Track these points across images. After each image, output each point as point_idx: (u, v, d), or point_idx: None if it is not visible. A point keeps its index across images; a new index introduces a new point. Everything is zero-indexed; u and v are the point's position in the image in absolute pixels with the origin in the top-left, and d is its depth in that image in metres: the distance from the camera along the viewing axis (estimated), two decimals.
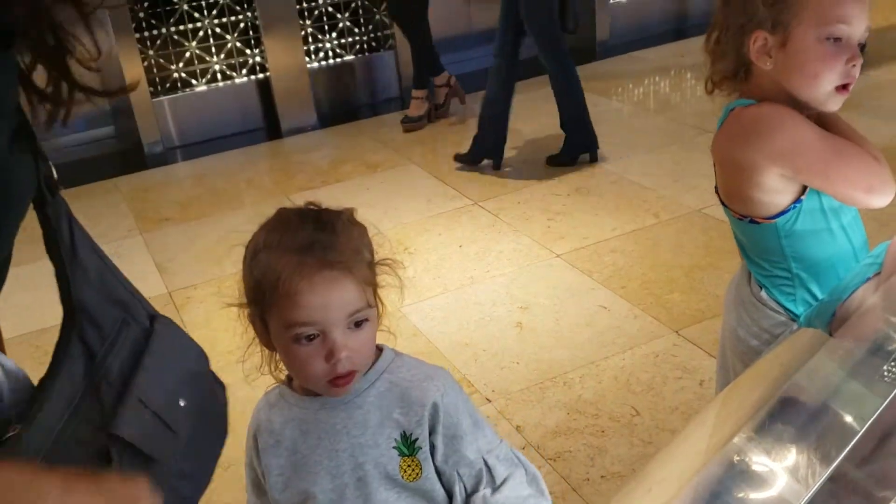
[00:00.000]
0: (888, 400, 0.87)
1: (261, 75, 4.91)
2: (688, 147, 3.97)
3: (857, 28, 1.27)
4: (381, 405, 1.09)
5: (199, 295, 3.12)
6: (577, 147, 3.88)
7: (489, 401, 2.37)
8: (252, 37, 4.84)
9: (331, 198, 1.10)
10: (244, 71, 4.90)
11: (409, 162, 4.18)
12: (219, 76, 4.86)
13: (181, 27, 4.69)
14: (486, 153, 3.93)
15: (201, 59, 4.79)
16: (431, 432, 1.08)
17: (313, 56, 5.06)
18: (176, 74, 4.76)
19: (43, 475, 0.66)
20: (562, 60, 3.76)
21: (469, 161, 3.94)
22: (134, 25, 4.54)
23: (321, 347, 1.01)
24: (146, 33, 4.62)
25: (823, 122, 1.32)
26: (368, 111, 4.98)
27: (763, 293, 1.44)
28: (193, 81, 4.81)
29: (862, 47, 1.28)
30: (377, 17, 5.16)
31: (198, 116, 4.82)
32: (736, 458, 0.86)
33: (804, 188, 1.31)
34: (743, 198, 1.35)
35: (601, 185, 3.70)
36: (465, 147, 3.99)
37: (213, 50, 4.80)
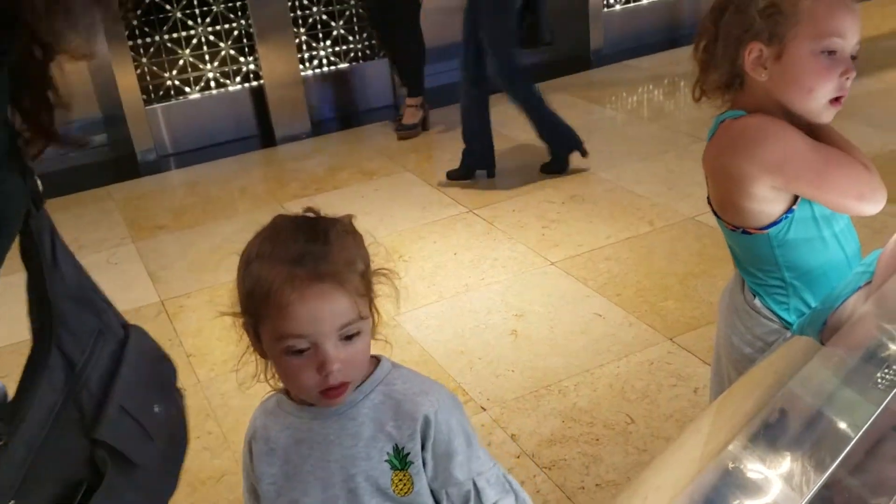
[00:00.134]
0: (881, 407, 0.87)
1: (255, 83, 4.91)
2: (682, 155, 3.98)
3: (850, 41, 1.28)
4: (375, 417, 1.08)
5: (192, 304, 3.11)
6: (563, 152, 3.89)
7: (484, 409, 2.36)
8: (246, 44, 4.85)
9: (325, 205, 1.10)
10: (238, 79, 4.90)
11: (404, 170, 4.18)
12: (212, 84, 4.86)
13: (174, 35, 4.69)
14: (477, 165, 3.94)
15: (195, 67, 4.79)
16: (423, 447, 1.07)
17: (307, 64, 5.06)
18: (169, 82, 4.76)
19: None
20: (513, 78, 3.75)
21: (462, 176, 3.95)
22: (127, 33, 4.54)
23: (313, 359, 1.00)
24: (139, 41, 4.62)
25: (814, 131, 1.32)
26: (363, 119, 4.98)
27: (757, 301, 1.44)
28: (187, 89, 4.81)
29: (853, 59, 1.29)
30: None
31: (191, 124, 4.82)
32: (731, 465, 0.86)
33: (796, 198, 1.31)
34: (735, 208, 1.35)
35: (595, 193, 3.71)
36: (459, 155, 3.99)
37: (207, 58, 4.80)
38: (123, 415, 0.82)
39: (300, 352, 1.00)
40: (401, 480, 1.07)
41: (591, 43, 5.81)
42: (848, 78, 1.28)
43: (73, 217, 3.95)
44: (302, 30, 4.99)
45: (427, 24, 4.63)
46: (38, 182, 0.80)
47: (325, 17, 5.04)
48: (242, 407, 2.45)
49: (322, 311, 0.99)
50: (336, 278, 0.99)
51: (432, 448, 1.07)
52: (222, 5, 4.73)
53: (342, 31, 5.12)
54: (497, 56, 3.69)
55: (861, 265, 1.33)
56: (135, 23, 4.54)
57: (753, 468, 0.86)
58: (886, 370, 0.93)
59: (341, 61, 5.16)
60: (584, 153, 3.87)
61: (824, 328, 1.14)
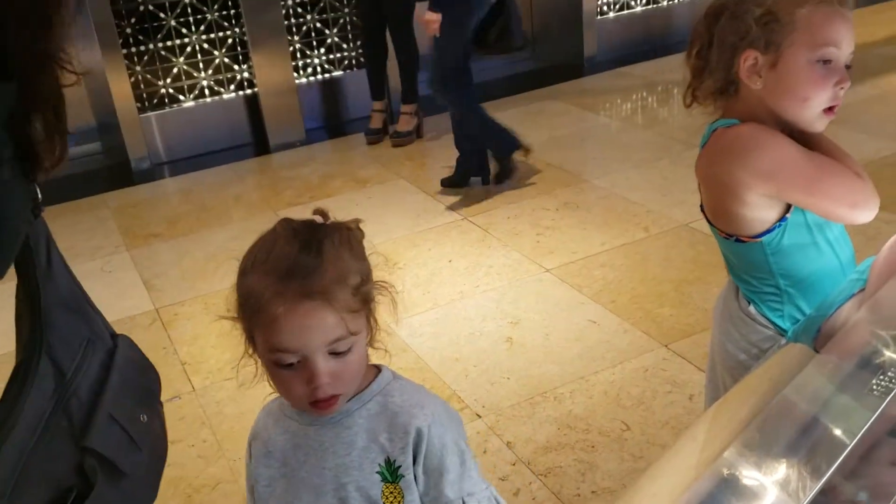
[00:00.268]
0: (877, 413, 0.87)
1: (249, 91, 4.91)
2: (676, 161, 3.99)
3: (845, 50, 1.28)
4: (370, 428, 1.07)
5: (186, 312, 3.10)
6: (505, 158, 3.84)
7: (479, 416, 2.36)
8: (240, 52, 4.85)
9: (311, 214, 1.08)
10: (232, 87, 4.90)
11: (398, 177, 4.19)
12: (206, 92, 4.86)
13: (168, 43, 4.69)
14: (474, 172, 3.95)
15: (189, 75, 4.79)
16: (415, 461, 1.06)
17: (301, 72, 5.07)
18: (163, 90, 4.76)
19: None
20: (447, 86, 3.73)
21: (457, 184, 3.95)
22: (121, 41, 4.54)
23: (302, 372, 1.00)
24: (133, 49, 4.62)
25: (806, 139, 1.33)
26: (357, 126, 4.98)
27: (751, 308, 1.45)
28: (181, 97, 4.81)
29: (847, 69, 1.29)
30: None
31: (185, 132, 4.82)
32: (726, 472, 0.86)
33: (789, 205, 1.32)
34: (728, 216, 1.35)
35: (590, 200, 3.72)
36: (453, 162, 3.99)
37: (201, 66, 4.80)
38: (112, 423, 0.82)
39: (289, 364, 1.00)
40: (391, 493, 1.06)
41: (584, 50, 5.83)
42: (842, 87, 1.28)
43: (67, 225, 3.94)
44: (296, 38, 5.00)
45: (420, 31, 4.64)
46: (38, 192, 0.80)
47: (318, 24, 5.05)
48: (237, 415, 2.44)
49: (309, 328, 0.98)
50: (324, 296, 0.97)
51: (424, 463, 1.05)
52: (216, 13, 4.74)
53: (336, 39, 5.13)
54: (440, 63, 3.70)
55: (855, 272, 1.33)
56: (128, 31, 4.55)
57: (749, 475, 0.86)
58: (881, 376, 0.93)
59: (335, 69, 5.17)
60: (525, 150, 3.85)
61: (818, 335, 1.14)
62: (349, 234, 1.05)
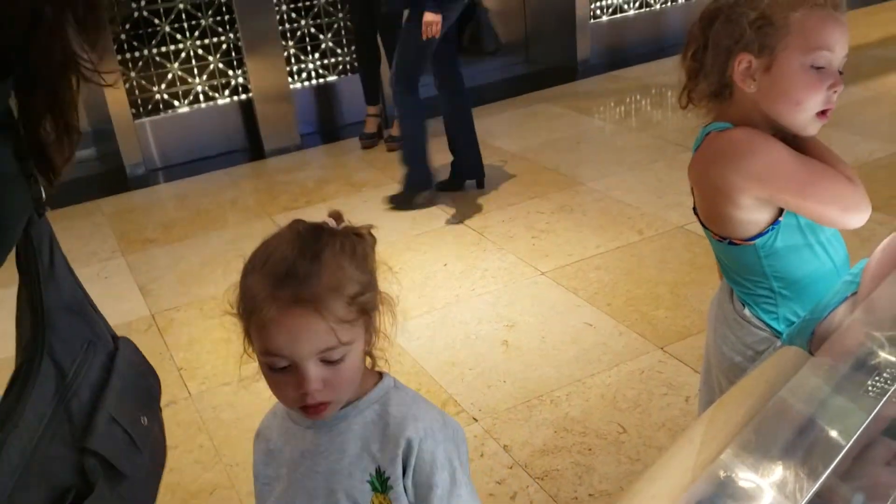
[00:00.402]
0: (873, 414, 0.87)
1: (243, 96, 4.91)
2: (670, 164, 4.00)
3: (839, 54, 1.29)
4: (364, 436, 1.06)
5: (182, 317, 3.10)
6: (412, 185, 3.81)
7: (476, 420, 2.36)
8: (234, 58, 4.85)
9: (315, 218, 1.08)
10: (226, 92, 4.90)
11: (393, 181, 4.19)
12: (201, 97, 4.86)
13: (163, 49, 4.69)
14: (467, 175, 3.96)
15: (183, 81, 4.79)
16: (404, 474, 1.04)
17: (296, 77, 5.07)
18: (158, 96, 4.76)
19: None
20: (399, 90, 3.74)
21: (451, 187, 3.96)
22: (116, 47, 4.53)
23: (293, 376, 0.99)
24: (128, 55, 4.62)
25: (799, 143, 1.33)
26: (352, 131, 4.99)
27: (746, 311, 1.45)
28: (176, 103, 4.81)
29: (840, 73, 1.30)
30: None
31: (180, 138, 4.82)
32: (723, 474, 0.87)
33: (782, 208, 1.32)
34: (722, 219, 1.36)
35: (585, 203, 3.72)
36: (448, 166, 4.00)
37: (196, 71, 4.80)
38: (113, 425, 0.82)
39: (282, 368, 0.99)
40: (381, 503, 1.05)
41: (578, 54, 5.85)
42: (835, 91, 1.28)
43: (62, 231, 3.87)
44: (290, 43, 5.00)
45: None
46: (42, 190, 0.81)
47: (313, 30, 5.06)
48: (234, 420, 2.43)
49: (299, 336, 0.97)
50: (315, 305, 0.96)
51: (413, 476, 1.04)
52: (211, 19, 4.74)
53: (330, 44, 5.13)
54: (397, 66, 3.72)
55: (849, 274, 1.34)
56: (123, 37, 4.55)
57: (746, 477, 0.86)
58: (877, 377, 0.93)
59: (330, 74, 5.17)
60: (432, 187, 3.83)
61: (813, 337, 1.14)
62: (355, 242, 1.04)
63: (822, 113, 1.30)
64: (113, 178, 4.64)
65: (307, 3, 5.00)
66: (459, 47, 3.75)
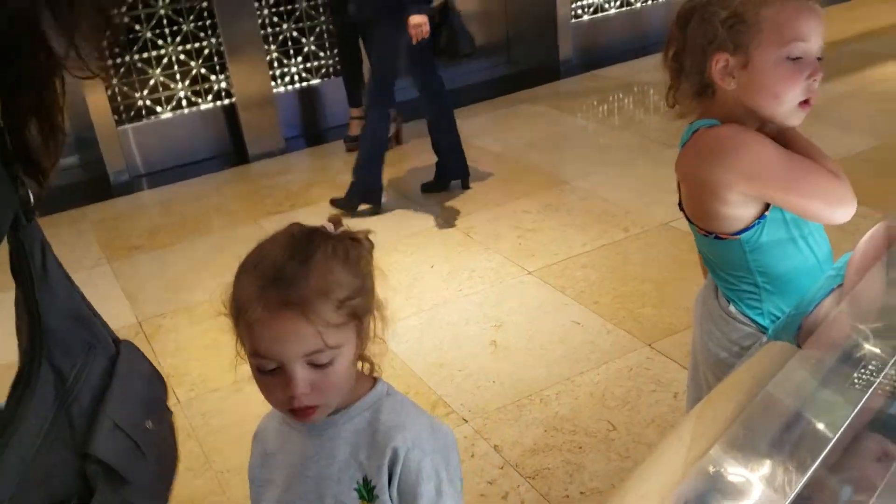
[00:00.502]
0: (859, 406, 0.88)
1: (226, 101, 4.89)
2: (654, 161, 4.02)
3: (814, 44, 1.29)
4: (353, 443, 1.06)
5: (169, 324, 3.09)
6: (360, 197, 3.78)
7: (466, 421, 2.36)
8: (217, 63, 4.83)
9: (302, 221, 1.08)
10: (209, 97, 4.88)
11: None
12: (184, 103, 4.83)
13: (145, 54, 4.67)
14: (453, 175, 3.96)
15: (166, 87, 4.77)
16: (390, 483, 1.03)
17: (279, 80, 5.06)
18: (141, 102, 4.73)
19: None
20: (372, 101, 3.75)
21: (437, 188, 3.96)
22: (97, 54, 4.50)
23: (281, 378, 0.99)
24: (110, 61, 4.59)
25: (784, 138, 1.34)
26: (336, 134, 4.98)
27: (731, 307, 1.46)
28: (158, 109, 4.79)
29: (819, 60, 1.31)
30: None
31: (164, 144, 4.79)
32: (712, 469, 0.87)
33: (767, 203, 1.33)
34: (708, 215, 1.37)
35: (570, 202, 3.74)
36: (432, 167, 4.00)
37: (178, 77, 4.78)
38: (116, 430, 0.82)
39: (270, 371, 0.99)
40: None
41: (559, 53, 5.87)
42: (815, 80, 1.29)
43: (48, 239, 3.90)
44: (273, 47, 4.99)
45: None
46: (31, 194, 0.80)
47: (295, 33, 5.04)
48: (223, 426, 2.43)
49: (285, 338, 0.97)
50: (302, 308, 0.96)
51: (398, 486, 1.03)
52: (192, 24, 4.72)
53: (313, 48, 5.12)
54: (373, 72, 3.73)
55: (833, 268, 1.35)
56: (104, 43, 4.51)
57: (735, 472, 0.87)
58: (862, 370, 0.94)
59: (313, 77, 5.16)
60: (374, 202, 3.80)
61: (799, 332, 1.15)
62: (349, 246, 1.03)
63: (805, 102, 1.31)
64: (97, 186, 4.61)
65: (289, 7, 4.99)
66: (435, 51, 3.75)
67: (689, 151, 1.38)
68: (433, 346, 2.75)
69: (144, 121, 4.75)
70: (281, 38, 5.01)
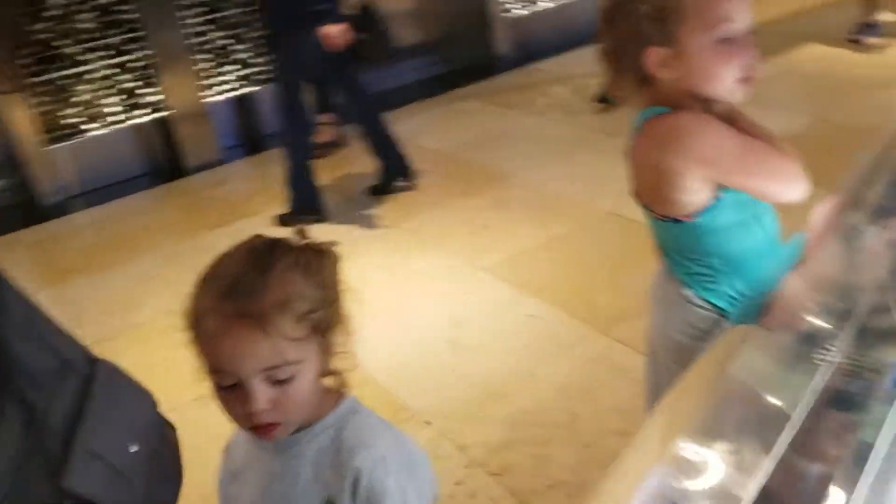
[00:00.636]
0: (819, 385, 0.89)
1: (159, 114, 4.78)
2: (596, 151, 4.05)
3: (742, 21, 1.31)
4: (317, 461, 1.03)
5: (117, 346, 2.99)
6: (301, 208, 3.73)
7: (429, 423, 2.35)
8: (147, 76, 4.71)
9: (244, 233, 1.04)
10: (141, 111, 4.76)
11: (325, 188, 4.14)
12: (115, 119, 4.70)
13: (72, 71, 4.52)
14: (395, 174, 3.94)
15: (95, 103, 4.63)
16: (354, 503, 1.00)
17: (212, 90, 4.96)
18: (70, 120, 4.59)
19: None
20: (283, 114, 3.73)
21: (384, 190, 3.94)
22: (21, 73, 4.35)
23: (240, 395, 0.95)
24: (34, 79, 4.44)
25: (734, 122, 1.36)
26: (274, 142, 4.91)
27: (687, 291, 1.47)
28: (89, 126, 4.65)
29: (751, 36, 1.32)
30: None
31: (96, 162, 4.66)
32: (679, 457, 0.87)
33: (722, 186, 1.34)
34: (665, 200, 1.38)
35: (517, 196, 3.75)
36: (376, 170, 3.97)
37: (107, 92, 4.65)
38: (93, 459, 0.77)
39: (229, 386, 0.95)
40: None
41: (494, 49, 5.88)
42: (750, 56, 1.31)
43: None
44: (203, 56, 4.89)
45: None
46: None
47: (226, 41, 4.95)
48: (192, 446, 2.36)
49: (242, 352, 0.93)
50: (259, 321, 0.92)
51: None
52: (118, 38, 4.59)
53: (245, 55, 5.03)
54: (277, 84, 3.72)
55: (788, 247, 1.37)
56: (28, 61, 4.37)
57: (701, 457, 0.87)
58: (821, 348, 0.95)
59: (248, 85, 5.08)
60: (320, 218, 3.76)
61: (761, 313, 1.16)
62: (311, 257, 1.00)
63: (746, 79, 1.32)
64: (27, 209, 4.46)
65: (218, 16, 4.89)
66: (356, 56, 3.70)
67: (644, 139, 1.38)
68: (391, 351, 2.72)
69: (75, 139, 4.61)
70: (210, 46, 4.91)
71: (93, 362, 0.85)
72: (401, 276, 3.19)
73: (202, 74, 4.86)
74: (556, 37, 6.06)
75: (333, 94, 4.38)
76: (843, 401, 0.93)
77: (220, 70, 4.97)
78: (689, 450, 0.88)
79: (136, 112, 4.74)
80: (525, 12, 6.12)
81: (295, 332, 0.95)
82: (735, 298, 1.43)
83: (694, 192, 1.33)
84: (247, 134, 5.12)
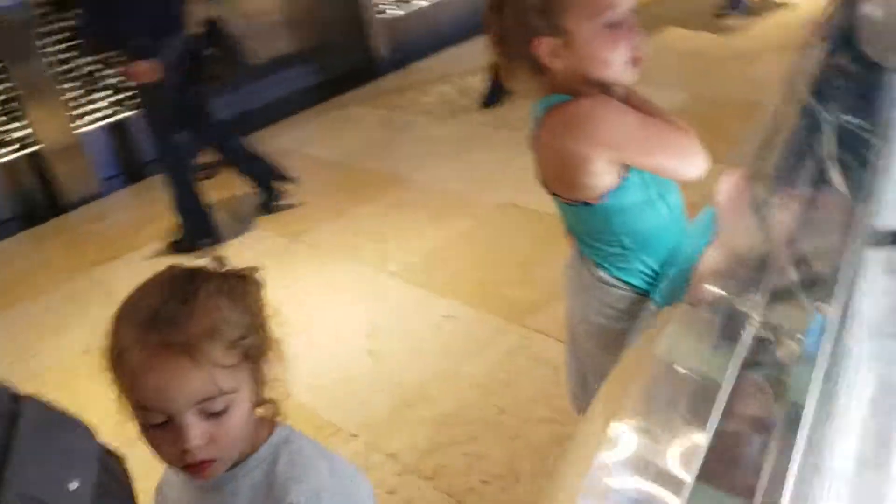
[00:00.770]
0: (741, 354, 0.92)
1: (29, 150, 4.50)
2: (487, 146, 4.09)
3: (624, 6, 1.35)
4: (253, 498, 0.99)
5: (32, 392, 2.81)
6: (195, 233, 3.64)
7: (356, 436, 2.31)
8: (11, 109, 4.43)
9: (131, 268, 0.98)
10: (9, 148, 4.48)
11: (214, 212, 4.02)
12: None
13: None
14: (272, 180, 3.85)
15: None
16: None
17: (84, 119, 4.72)
18: None
19: None
20: (156, 139, 3.67)
21: (271, 206, 3.85)
22: None
23: (171, 432, 0.90)
24: None
25: (631, 103, 1.39)
26: (155, 169, 4.72)
27: (601, 272, 1.50)
28: None
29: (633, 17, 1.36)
30: None
31: None
32: (622, 443, 0.88)
33: (627, 167, 1.38)
34: (573, 185, 1.40)
35: (414, 198, 3.74)
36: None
37: None
38: (25, 501, 0.71)
39: (159, 424, 0.90)
40: None
41: (372, 52, 5.85)
42: (637, 38, 1.35)
43: None
44: (70, 84, 4.64)
45: None
46: None
47: (92, 67, 4.72)
48: (140, 477, 2.24)
49: (171, 385, 0.88)
50: (187, 350, 0.88)
51: None
52: None
53: (115, 80, 4.81)
54: (145, 115, 3.64)
55: (698, 222, 1.42)
56: None
57: (642, 441, 0.88)
58: (742, 318, 0.99)
59: (121, 111, 4.86)
60: (215, 240, 3.68)
61: (686, 290, 1.20)
62: (234, 283, 0.96)
63: (635, 60, 1.36)
64: None
65: (81, 42, 4.65)
66: (200, 77, 3.57)
67: (547, 128, 1.40)
68: (309, 369, 2.66)
69: None
70: (78, 74, 4.67)
71: (16, 399, 0.78)
72: (308, 292, 3.13)
73: (71, 104, 4.62)
74: (433, 35, 6.08)
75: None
76: (768, 366, 0.96)
77: (90, 98, 4.74)
78: (631, 434, 0.89)
79: (3, 150, 4.46)
80: (400, 12, 6.11)
81: (227, 360, 0.91)
82: (647, 275, 1.47)
83: (600, 176, 1.36)
84: (126, 162, 4.90)
